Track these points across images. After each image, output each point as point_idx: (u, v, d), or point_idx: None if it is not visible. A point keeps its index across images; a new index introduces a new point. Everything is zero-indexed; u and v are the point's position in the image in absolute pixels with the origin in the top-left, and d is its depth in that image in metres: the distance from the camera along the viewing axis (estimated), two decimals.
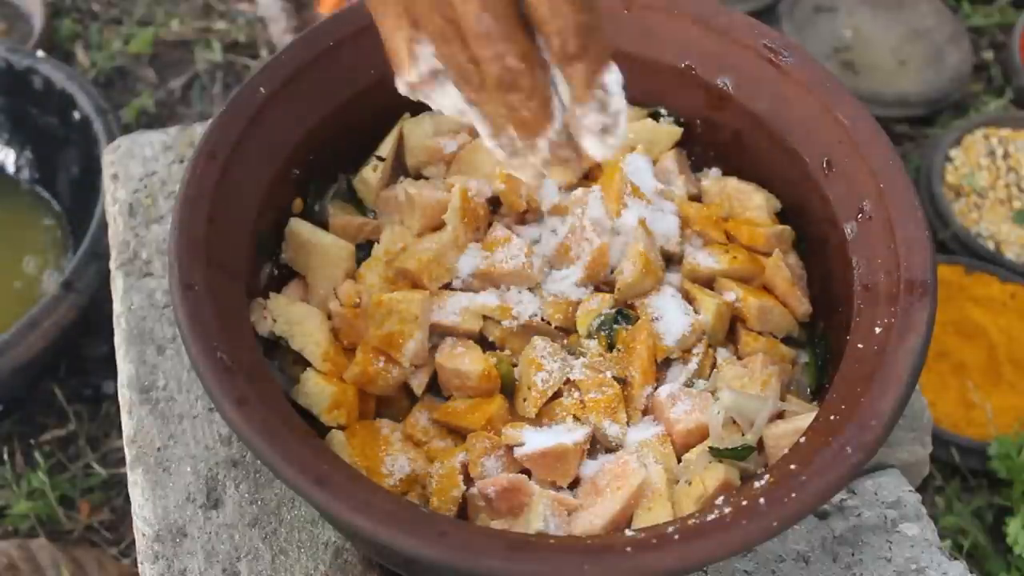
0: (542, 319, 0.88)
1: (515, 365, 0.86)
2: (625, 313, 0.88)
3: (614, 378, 0.85)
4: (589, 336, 0.87)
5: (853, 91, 0.90)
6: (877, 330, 0.78)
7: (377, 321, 0.85)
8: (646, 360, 0.85)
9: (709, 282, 0.92)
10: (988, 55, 2.29)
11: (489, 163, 0.95)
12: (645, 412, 0.85)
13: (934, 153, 2.00)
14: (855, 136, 0.87)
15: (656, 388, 0.85)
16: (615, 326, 0.87)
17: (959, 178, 1.99)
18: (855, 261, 0.85)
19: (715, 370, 0.87)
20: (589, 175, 0.98)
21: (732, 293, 0.90)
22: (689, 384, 0.86)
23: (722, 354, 0.88)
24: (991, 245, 1.91)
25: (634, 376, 0.85)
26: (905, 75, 2.21)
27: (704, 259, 0.92)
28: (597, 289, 0.90)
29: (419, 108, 0.99)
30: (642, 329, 0.86)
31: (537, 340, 0.86)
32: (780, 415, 0.83)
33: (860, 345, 0.79)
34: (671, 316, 0.87)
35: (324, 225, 0.94)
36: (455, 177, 0.95)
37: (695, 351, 0.87)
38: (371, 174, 0.96)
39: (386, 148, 0.97)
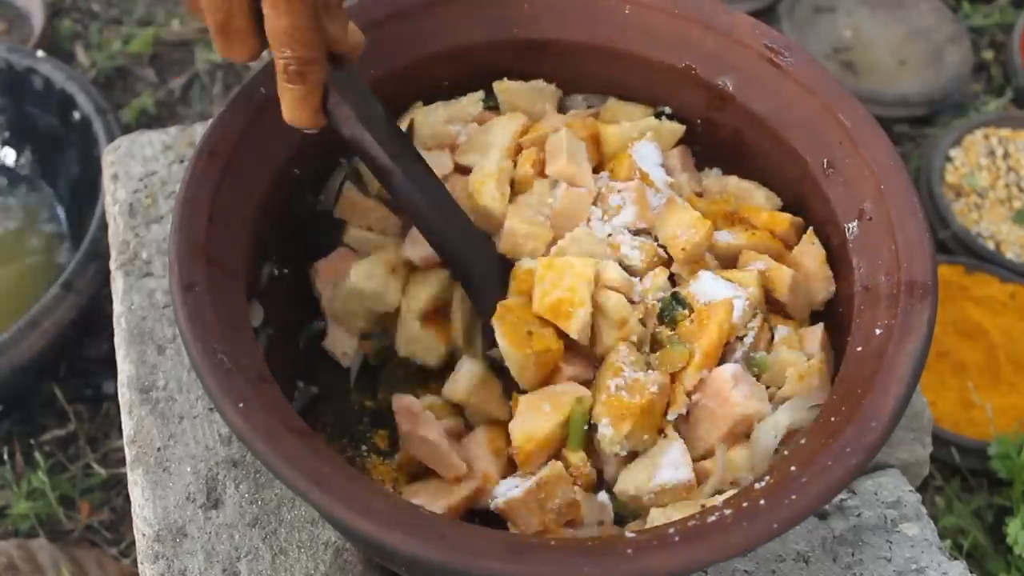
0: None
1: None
2: (679, 297, 0.86)
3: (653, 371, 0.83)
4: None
5: (853, 91, 0.90)
6: (878, 331, 0.78)
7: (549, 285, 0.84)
8: (716, 339, 0.82)
9: (734, 260, 0.91)
10: (988, 55, 2.29)
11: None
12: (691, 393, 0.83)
13: (934, 153, 2.00)
14: (855, 136, 0.87)
15: (711, 371, 0.83)
16: (674, 312, 0.85)
17: (959, 178, 1.99)
18: (855, 262, 0.85)
19: (771, 348, 0.85)
20: (599, 167, 0.97)
21: (761, 263, 0.88)
22: (748, 360, 0.84)
23: (780, 332, 0.86)
24: (991, 245, 1.91)
25: (694, 357, 0.82)
26: (905, 75, 2.21)
27: (725, 237, 0.90)
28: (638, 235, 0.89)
29: (429, 99, 0.99)
30: (720, 307, 0.83)
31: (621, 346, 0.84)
32: None
33: (860, 347, 0.78)
34: (721, 296, 0.85)
35: (325, 225, 0.94)
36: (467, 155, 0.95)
37: (750, 325, 0.85)
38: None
39: None
